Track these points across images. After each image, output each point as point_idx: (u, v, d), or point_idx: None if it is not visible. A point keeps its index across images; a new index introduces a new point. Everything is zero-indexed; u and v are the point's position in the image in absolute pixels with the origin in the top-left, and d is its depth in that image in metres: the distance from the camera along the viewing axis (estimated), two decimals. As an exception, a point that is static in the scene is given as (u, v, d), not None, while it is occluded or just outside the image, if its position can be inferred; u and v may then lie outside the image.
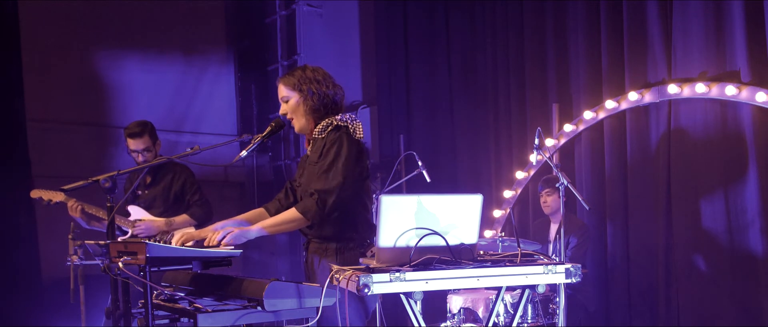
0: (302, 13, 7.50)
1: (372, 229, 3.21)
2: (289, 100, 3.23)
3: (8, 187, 5.68)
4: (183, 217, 4.72)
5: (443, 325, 4.82)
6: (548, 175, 5.40)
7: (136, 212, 4.71)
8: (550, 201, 5.30)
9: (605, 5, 5.37)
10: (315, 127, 3.22)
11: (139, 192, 4.84)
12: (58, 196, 4.55)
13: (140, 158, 4.72)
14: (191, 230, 3.65)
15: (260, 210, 3.38)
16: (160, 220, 4.65)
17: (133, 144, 4.70)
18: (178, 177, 4.86)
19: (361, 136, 3.17)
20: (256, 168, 7.98)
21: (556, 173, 4.67)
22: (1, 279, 5.65)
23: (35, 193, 4.63)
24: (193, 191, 4.86)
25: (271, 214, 3.32)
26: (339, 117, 3.16)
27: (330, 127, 3.14)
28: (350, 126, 3.14)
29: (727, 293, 4.72)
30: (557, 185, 4.72)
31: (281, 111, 3.27)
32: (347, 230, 3.15)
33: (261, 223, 3.10)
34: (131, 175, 4.95)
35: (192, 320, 2.60)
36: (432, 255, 2.57)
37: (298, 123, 3.24)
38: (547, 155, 5.08)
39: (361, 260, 3.09)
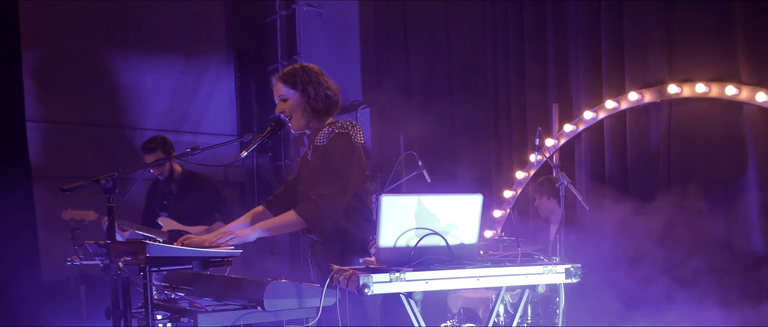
0: (302, 13, 7.51)
1: (372, 227, 3.23)
2: (287, 98, 3.22)
3: (8, 187, 5.67)
4: (218, 225, 4.83)
5: (443, 325, 4.82)
6: (540, 179, 5.41)
7: (167, 223, 4.82)
8: (539, 205, 5.34)
9: (605, 5, 5.36)
10: (315, 129, 3.22)
11: (166, 202, 4.96)
12: (90, 215, 4.77)
13: (157, 170, 4.98)
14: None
15: (260, 208, 3.39)
16: (201, 230, 4.77)
17: (147, 158, 4.95)
18: (208, 191, 5.11)
19: (362, 141, 3.19)
20: (256, 168, 7.98)
21: (556, 173, 4.67)
22: (1, 279, 5.65)
23: (67, 214, 4.76)
24: (220, 200, 5.12)
25: (271, 211, 3.34)
26: (340, 124, 3.18)
27: (331, 134, 3.15)
28: (351, 132, 3.16)
29: (728, 293, 4.72)
30: (557, 186, 4.72)
31: (278, 109, 3.25)
32: (348, 230, 3.17)
33: (261, 224, 3.13)
34: (153, 187, 5.12)
35: (192, 320, 2.60)
36: (432, 255, 2.57)
37: (297, 122, 3.24)
38: (547, 155, 5.08)
39: (361, 260, 3.08)
